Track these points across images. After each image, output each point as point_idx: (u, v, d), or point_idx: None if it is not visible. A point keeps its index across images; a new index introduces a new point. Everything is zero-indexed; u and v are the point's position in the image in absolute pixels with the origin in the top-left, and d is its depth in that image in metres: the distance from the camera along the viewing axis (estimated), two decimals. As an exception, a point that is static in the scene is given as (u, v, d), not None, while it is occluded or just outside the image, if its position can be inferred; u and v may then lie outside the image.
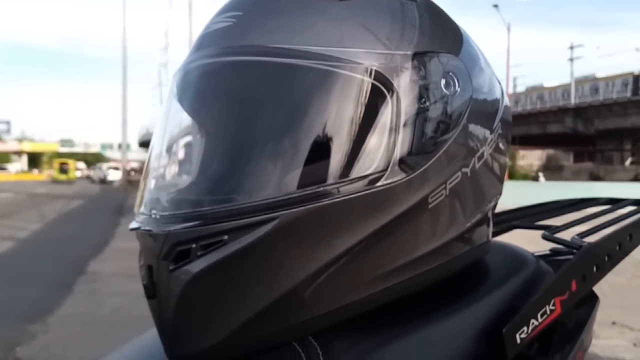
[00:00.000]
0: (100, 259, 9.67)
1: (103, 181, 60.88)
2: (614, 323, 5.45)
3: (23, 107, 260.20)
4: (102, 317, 6.04)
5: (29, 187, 42.23)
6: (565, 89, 53.08)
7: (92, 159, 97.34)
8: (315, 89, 0.80)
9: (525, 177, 45.21)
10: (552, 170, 52.03)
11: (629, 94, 48.20)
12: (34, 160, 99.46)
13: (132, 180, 49.75)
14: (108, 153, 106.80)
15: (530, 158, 55.83)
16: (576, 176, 46.13)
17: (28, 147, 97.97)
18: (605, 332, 5.18)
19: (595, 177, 44.11)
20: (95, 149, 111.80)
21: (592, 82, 52.85)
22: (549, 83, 58.22)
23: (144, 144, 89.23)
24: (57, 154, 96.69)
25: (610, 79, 51.13)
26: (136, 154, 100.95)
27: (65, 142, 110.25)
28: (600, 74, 52.23)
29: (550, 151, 57.73)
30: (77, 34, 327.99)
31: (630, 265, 8.22)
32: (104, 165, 70.99)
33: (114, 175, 61.87)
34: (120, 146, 63.53)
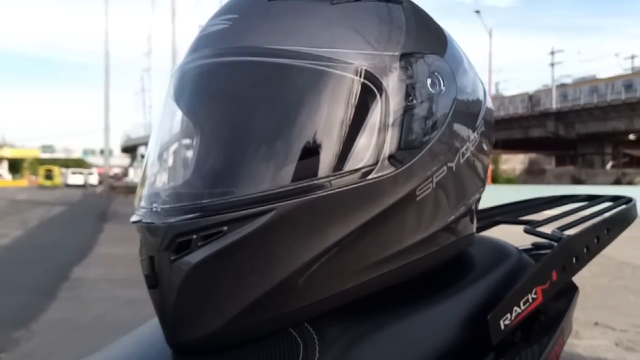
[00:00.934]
0: (84, 265, 9.60)
1: (84, 186, 63.88)
2: (596, 323, 5.52)
3: (3, 113, 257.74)
4: (86, 323, 6.00)
5: (9, 193, 41.78)
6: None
7: (74, 165, 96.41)
8: (308, 87, 0.84)
9: (509, 180, 45.41)
10: (534, 174, 52.38)
11: (524, 110, 54.93)
12: (15, 166, 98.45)
13: (116, 186, 49.71)
14: (90, 159, 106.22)
15: (513, 162, 56.15)
16: (558, 180, 46.39)
17: (8, 153, 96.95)
18: (588, 332, 5.24)
19: (577, 181, 44.39)
20: (77, 154, 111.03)
21: (499, 100, 58.54)
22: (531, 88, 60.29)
23: (127, 149, 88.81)
24: (39, 160, 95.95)
25: (513, 97, 58.16)
26: (119, 160, 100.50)
27: (46, 148, 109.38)
28: (513, 91, 57.45)
29: (533, 155, 58.13)
30: (58, 39, 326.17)
31: (612, 268, 8.32)
32: (69, 171, 77.24)
33: (92, 180, 71.32)
34: (102, 152, 64.47)
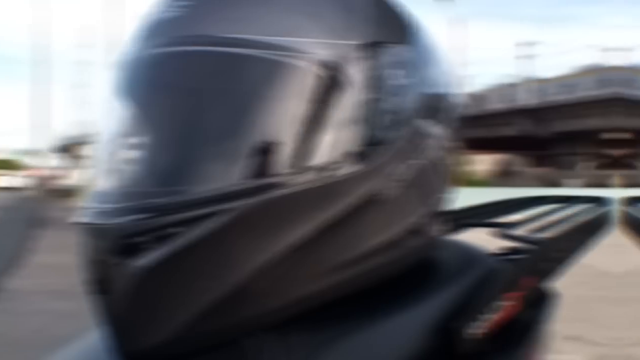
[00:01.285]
0: (19, 276, 9.47)
1: (12, 189, 64.47)
2: (575, 337, 5.58)
3: None
4: (21, 339, 5.92)
5: None
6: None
7: (3, 167, 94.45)
8: (263, 78, 0.85)
9: (478, 183, 45.81)
10: (506, 176, 52.89)
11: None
12: None
13: (51, 189, 48.95)
14: (20, 160, 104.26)
15: (483, 163, 56.59)
16: (533, 182, 46.84)
17: None
18: (567, 346, 5.30)
19: (553, 183, 44.92)
20: (5, 155, 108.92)
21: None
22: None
23: (61, 149, 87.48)
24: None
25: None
26: (52, 160, 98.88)
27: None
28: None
29: (505, 156, 58.64)
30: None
31: (593, 277, 8.43)
32: None
33: (23, 182, 69.84)
34: (34, 152, 63.90)
